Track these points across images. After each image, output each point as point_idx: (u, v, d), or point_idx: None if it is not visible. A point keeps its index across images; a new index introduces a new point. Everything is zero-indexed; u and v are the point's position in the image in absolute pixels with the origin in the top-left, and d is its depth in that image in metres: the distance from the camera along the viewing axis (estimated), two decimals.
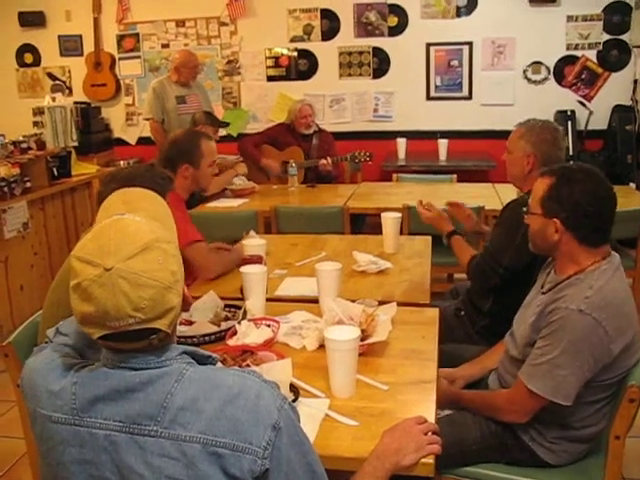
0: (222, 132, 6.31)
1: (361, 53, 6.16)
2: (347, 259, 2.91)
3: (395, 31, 6.07)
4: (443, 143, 5.63)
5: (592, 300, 1.80)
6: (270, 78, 6.40)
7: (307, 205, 4.37)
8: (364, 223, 4.69)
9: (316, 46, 6.25)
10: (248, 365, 1.92)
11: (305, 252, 3.18)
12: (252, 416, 1.14)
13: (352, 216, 4.19)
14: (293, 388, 1.79)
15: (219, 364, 1.84)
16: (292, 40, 6.28)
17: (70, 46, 6.68)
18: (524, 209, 2.08)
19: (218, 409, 1.13)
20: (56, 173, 4.80)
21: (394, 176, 5.10)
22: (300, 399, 1.78)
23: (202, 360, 1.27)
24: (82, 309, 1.13)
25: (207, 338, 2.17)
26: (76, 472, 1.15)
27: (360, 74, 6.21)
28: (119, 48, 6.57)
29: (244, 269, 2.38)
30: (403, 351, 2.09)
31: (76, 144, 5.27)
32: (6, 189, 4.17)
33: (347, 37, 6.17)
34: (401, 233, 3.90)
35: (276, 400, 1.19)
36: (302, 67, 6.31)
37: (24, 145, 4.52)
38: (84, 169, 5.22)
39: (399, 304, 2.43)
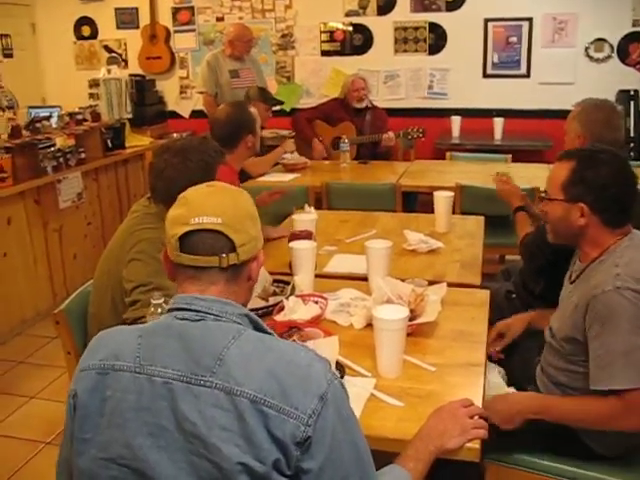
0: (275, 107, 6.33)
1: (417, 28, 6.04)
2: (398, 237, 2.87)
3: (452, 6, 5.92)
4: (499, 122, 5.50)
5: (623, 275, 1.73)
6: (324, 53, 6.34)
7: (358, 182, 4.32)
8: (416, 201, 4.62)
9: (371, 21, 6.15)
10: (295, 341, 1.91)
11: (355, 229, 3.15)
12: (301, 383, 1.15)
13: (404, 194, 4.13)
14: (339, 366, 1.78)
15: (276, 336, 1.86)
16: (347, 14, 6.20)
17: (126, 19, 6.73)
18: (541, 195, 2.01)
19: (270, 370, 1.15)
20: (110, 145, 4.87)
21: (447, 154, 5.02)
22: (346, 377, 1.77)
23: (262, 331, 1.30)
24: (175, 212, 1.28)
25: (256, 313, 2.16)
26: (131, 419, 1.16)
27: (416, 50, 6.10)
28: (174, 21, 6.59)
29: (293, 244, 2.37)
30: (452, 332, 2.05)
31: (130, 116, 5.33)
32: (61, 160, 4.25)
33: (403, 12, 6.05)
34: (454, 212, 3.86)
35: (327, 374, 1.20)
36: (357, 42, 6.23)
37: (79, 117, 4.59)
38: (137, 141, 5.28)
39: (449, 285, 2.39)
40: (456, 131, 5.71)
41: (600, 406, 1.74)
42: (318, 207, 4.03)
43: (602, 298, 1.73)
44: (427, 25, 6.01)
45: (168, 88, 6.79)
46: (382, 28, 6.13)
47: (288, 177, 4.41)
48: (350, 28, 6.22)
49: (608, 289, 1.72)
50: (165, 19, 6.61)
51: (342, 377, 1.73)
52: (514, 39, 5.81)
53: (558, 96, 5.62)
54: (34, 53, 6.96)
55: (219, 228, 1.23)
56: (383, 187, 4.05)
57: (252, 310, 2.15)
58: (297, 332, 1.99)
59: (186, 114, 6.76)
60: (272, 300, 2.23)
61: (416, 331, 2.02)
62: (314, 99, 6.19)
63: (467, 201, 3.88)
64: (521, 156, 4.98)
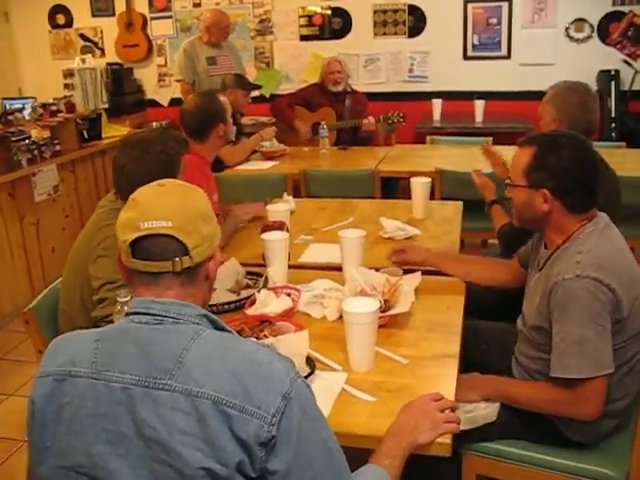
0: (254, 93, 6.25)
1: (396, 11, 5.97)
2: (375, 225, 2.85)
3: None
4: (480, 104, 5.45)
5: (584, 263, 1.72)
6: (303, 37, 6.26)
7: (337, 168, 4.28)
8: (397, 187, 4.58)
9: (350, 4, 6.07)
10: (265, 336, 1.88)
11: (333, 217, 3.11)
12: (263, 382, 1.13)
13: (384, 180, 4.09)
14: (309, 361, 1.75)
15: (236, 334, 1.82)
16: None
17: (102, 6, 6.60)
18: (506, 182, 1.99)
19: (231, 370, 1.13)
20: (86, 135, 4.80)
21: (428, 138, 4.97)
22: (317, 372, 1.74)
23: (223, 330, 1.28)
24: (125, 215, 1.24)
25: (226, 307, 2.14)
26: (89, 426, 1.14)
27: (395, 33, 6.03)
28: (150, 8, 6.47)
29: (265, 236, 2.33)
30: (426, 323, 2.03)
31: (106, 106, 5.25)
32: (36, 152, 4.18)
33: None
34: (433, 198, 3.82)
35: (289, 372, 1.18)
36: (336, 26, 6.15)
37: (54, 108, 4.51)
38: (115, 131, 5.20)
39: (426, 273, 2.37)
40: (437, 114, 5.66)
41: (551, 393, 1.77)
42: (297, 195, 4.01)
43: (562, 285, 1.73)
44: (406, 7, 5.94)
45: (146, 76, 6.68)
46: (361, 11, 6.05)
47: (266, 165, 4.36)
48: (329, 12, 6.14)
49: (568, 277, 1.72)
50: (141, 6, 6.49)
51: (312, 372, 1.70)
52: (494, 20, 5.76)
53: (539, 77, 5.56)
54: (8, 43, 6.83)
55: (170, 232, 1.20)
56: (362, 173, 4.01)
57: (224, 304, 2.14)
58: (268, 326, 1.96)
59: (165, 102, 6.67)
60: (244, 293, 2.19)
61: (389, 322, 1.99)
62: (294, 84, 6.12)
63: (447, 186, 3.85)
64: (503, 138, 4.92)
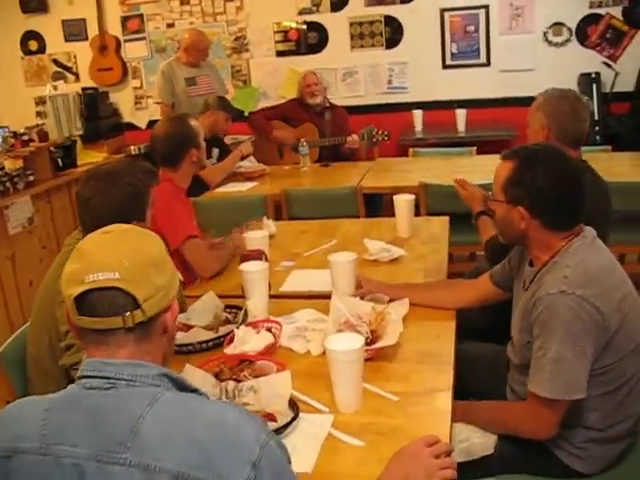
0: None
1: (372, 23, 5.89)
2: (359, 246, 2.73)
3: None
4: (461, 113, 5.38)
5: (571, 278, 1.64)
6: (280, 53, 6.17)
7: (319, 187, 4.16)
8: (381, 203, 4.48)
9: (326, 18, 5.99)
10: (246, 377, 1.76)
11: (315, 240, 3.00)
12: (229, 450, 1.02)
13: (368, 196, 3.99)
14: (293, 404, 1.63)
15: (211, 380, 1.70)
16: (300, 12, 6.03)
17: (74, 30, 6.49)
18: (489, 193, 1.93)
19: (192, 438, 1.02)
20: (61, 164, 4.67)
21: (410, 151, 4.88)
22: (301, 415, 1.62)
23: (188, 391, 1.15)
24: (69, 268, 1.13)
25: (204, 345, 2.02)
26: None
27: (372, 45, 5.95)
28: (124, 30, 6.37)
29: (243, 267, 2.22)
30: (416, 354, 1.92)
31: (81, 132, 5.12)
32: (8, 184, 4.05)
33: (357, 6, 5.90)
34: (419, 213, 3.73)
35: (259, 435, 1.06)
36: (312, 40, 6.07)
37: (25, 137, 4.38)
38: (91, 157, 5.08)
39: None
40: (419, 125, 5.58)
41: (512, 412, 1.79)
42: (279, 217, 3.90)
43: (545, 300, 1.65)
44: (382, 19, 5.87)
45: (122, 99, 6.57)
46: (337, 25, 5.98)
47: (246, 186, 4.24)
48: (304, 26, 6.06)
49: (553, 292, 1.64)
50: (114, 28, 6.39)
51: (296, 417, 1.59)
52: (471, 28, 5.69)
53: (520, 83, 5.52)
54: None
55: (117, 284, 1.09)
56: (344, 191, 3.90)
57: (201, 343, 2.02)
58: (248, 366, 1.84)
59: (143, 125, 6.55)
60: (223, 330, 2.07)
61: (377, 355, 1.88)
62: (271, 101, 6.00)
63: (432, 200, 3.75)
64: (487, 147, 4.86)
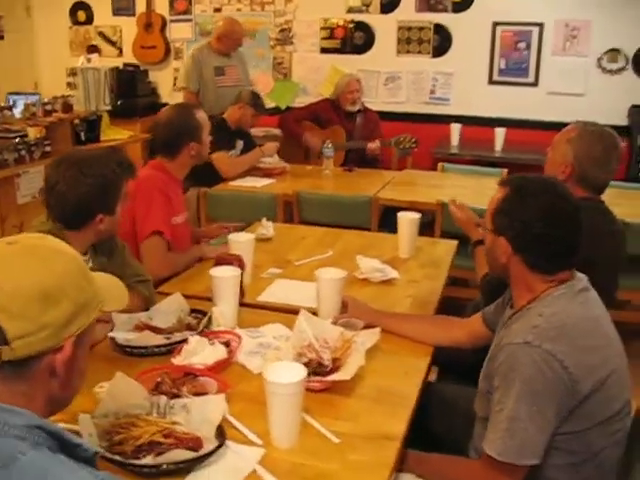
0: (271, 104, 6.05)
1: (421, 29, 5.69)
2: (354, 261, 2.57)
3: (460, 7, 5.56)
4: (500, 132, 5.15)
5: (541, 329, 1.47)
6: (323, 50, 6.02)
7: (333, 192, 4.00)
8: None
9: (374, 19, 5.82)
10: (182, 393, 1.63)
11: (312, 249, 2.85)
12: None
13: (387, 208, 3.80)
14: (219, 431, 1.49)
15: (142, 392, 1.57)
16: (349, 11, 5.87)
17: (122, 5, 6.45)
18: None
19: None
20: (83, 137, 4.61)
21: (439, 165, 4.69)
22: (228, 444, 1.48)
23: (70, 447, 0.96)
24: None
25: (157, 350, 1.89)
26: None
27: (419, 52, 5.76)
28: (171, 10, 6.30)
29: (213, 271, 2.09)
30: (375, 390, 1.76)
31: (109, 108, 5.05)
32: (24, 152, 4.00)
33: (408, 11, 5.70)
34: (432, 234, 3.55)
35: None
36: (358, 40, 5.90)
37: (48, 107, 4.32)
38: (116, 134, 5.02)
39: None
40: (455, 140, 5.36)
41: (465, 470, 1.62)
42: (289, 219, 3.77)
43: (507, 350, 1.49)
44: (432, 26, 5.66)
45: (162, 79, 6.51)
46: (385, 27, 5.79)
47: (261, 183, 4.11)
48: (351, 25, 5.89)
49: (517, 341, 1.47)
50: (162, 7, 6.33)
51: (220, 446, 1.45)
52: (523, 45, 5.45)
53: (566, 108, 5.26)
54: (29, 37, 6.73)
55: None
56: (358, 200, 3.74)
57: (153, 347, 1.90)
58: (191, 381, 1.71)
59: None
60: (178, 336, 1.94)
61: (333, 387, 1.73)
62: (310, 98, 5.86)
63: (448, 221, 3.54)
64: (520, 170, 4.56)
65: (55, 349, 0.98)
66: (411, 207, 3.22)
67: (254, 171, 4.33)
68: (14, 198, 3.98)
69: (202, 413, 1.52)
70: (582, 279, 1.61)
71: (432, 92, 5.79)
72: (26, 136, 4.13)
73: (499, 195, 1.64)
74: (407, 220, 2.74)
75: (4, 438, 0.89)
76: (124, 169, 2.00)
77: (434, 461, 1.67)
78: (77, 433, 1.38)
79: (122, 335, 1.92)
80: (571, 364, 1.43)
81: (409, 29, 5.74)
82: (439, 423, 1.97)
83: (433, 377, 2.41)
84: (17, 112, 4.19)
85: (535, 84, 5.49)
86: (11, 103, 4.71)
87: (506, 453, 1.44)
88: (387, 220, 3.88)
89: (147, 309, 2.11)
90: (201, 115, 2.78)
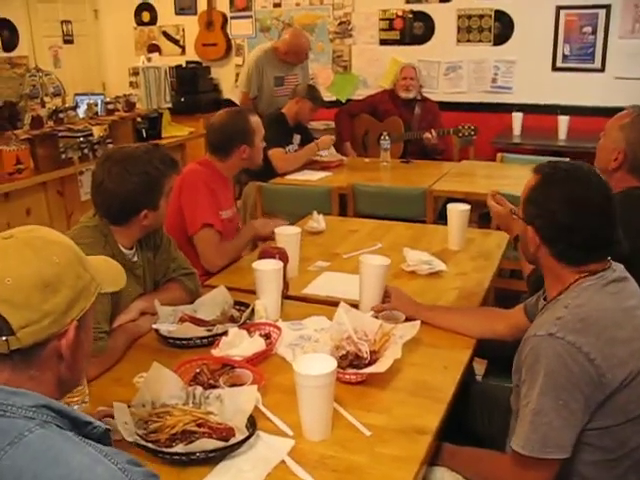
0: (332, 97, 6.06)
1: (482, 17, 5.58)
2: (403, 254, 2.55)
3: None
4: (564, 120, 4.99)
5: (565, 321, 1.41)
6: (383, 42, 5.98)
7: (389, 185, 3.97)
8: None
9: (433, 8, 5.74)
10: (220, 383, 1.66)
11: (361, 241, 2.84)
12: None
13: (446, 200, 3.74)
14: (250, 421, 1.50)
15: (178, 383, 1.61)
16: (408, 1, 5.80)
17: (185, 5, 6.60)
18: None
19: None
20: (145, 135, 4.72)
21: (498, 156, 4.58)
22: (260, 434, 1.50)
23: (79, 425, 0.99)
24: None
25: (198, 341, 1.93)
26: None
27: (480, 40, 5.65)
28: (231, 7, 6.40)
29: (256, 265, 2.11)
30: (412, 383, 1.74)
31: (169, 105, 5.16)
32: (87, 150, 4.13)
33: None
34: (489, 226, 3.48)
35: None
36: (417, 31, 5.84)
37: (111, 106, 4.45)
38: (177, 131, 5.12)
39: None
40: (517, 129, 5.23)
41: (493, 466, 1.58)
42: (343, 212, 3.77)
43: (532, 342, 1.44)
44: (493, 13, 5.54)
45: (224, 76, 6.63)
46: (444, 16, 5.71)
47: (317, 176, 4.11)
48: (410, 16, 5.83)
49: (541, 333, 1.42)
50: (222, 5, 6.43)
51: (250, 436, 1.46)
52: (588, 29, 5.27)
53: (635, 93, 5.05)
54: (96, 39, 6.96)
55: None
56: (412, 192, 3.70)
57: (195, 339, 1.93)
58: (228, 372, 1.73)
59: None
60: (220, 328, 1.97)
61: (369, 379, 1.72)
62: (370, 90, 5.83)
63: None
64: (585, 160, 4.48)
65: (59, 334, 1.02)
66: (466, 198, 3.17)
67: (311, 164, 4.34)
68: (78, 195, 4.13)
69: (235, 403, 1.54)
70: (617, 269, 1.54)
71: (494, 81, 5.68)
72: (91, 135, 4.26)
73: (531, 183, 1.60)
74: (457, 212, 2.70)
75: (13, 419, 0.92)
76: (167, 166, 2.04)
77: (467, 455, 1.65)
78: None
79: (165, 327, 1.96)
80: (598, 356, 1.37)
81: (469, 17, 5.63)
82: (480, 420, 1.93)
83: (481, 370, 2.37)
84: (81, 112, 4.33)
85: (602, 69, 5.30)
86: (76, 104, 4.88)
87: (530, 447, 1.40)
88: (444, 211, 3.84)
89: (192, 301, 2.15)
90: (255, 120, 2.80)
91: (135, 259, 2.08)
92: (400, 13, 5.86)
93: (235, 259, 2.63)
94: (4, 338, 0.96)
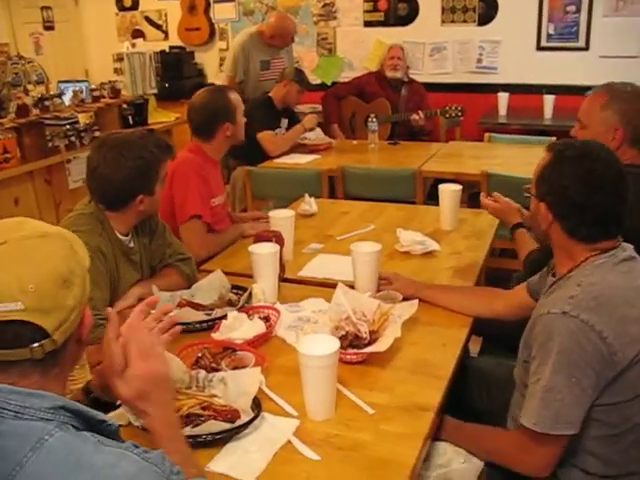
0: (317, 80, 6.04)
1: None
2: (396, 235, 2.57)
3: None
4: (549, 99, 5.01)
5: (579, 299, 1.43)
6: (367, 23, 5.96)
7: (378, 166, 3.99)
8: None
9: None
10: (222, 366, 1.67)
11: (353, 223, 2.86)
12: None
13: (435, 181, 3.76)
14: (255, 402, 1.52)
15: (181, 367, 1.61)
16: None
17: None
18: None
19: None
20: (131, 121, 4.69)
21: (486, 136, 4.60)
22: (265, 415, 1.52)
23: (93, 424, 1.01)
24: None
25: (198, 326, 1.94)
26: None
27: (464, 20, 5.64)
28: None
29: (252, 248, 2.12)
30: (412, 362, 1.76)
31: (155, 91, 5.12)
32: (74, 138, 4.10)
33: None
34: (479, 206, 3.49)
35: None
36: (401, 12, 5.82)
37: (96, 93, 4.42)
38: (163, 117, 5.09)
39: None
40: (503, 109, 5.25)
41: (500, 441, 1.59)
42: (332, 194, 3.78)
43: (545, 319, 1.46)
44: None
45: (208, 60, 6.57)
46: None
47: (306, 159, 4.12)
48: None
49: (554, 311, 1.44)
50: None
51: (256, 417, 1.48)
52: (572, 7, 5.27)
53: (620, 71, 5.05)
54: (77, 25, 6.88)
55: (22, 317, 0.94)
56: (402, 173, 3.71)
57: (189, 323, 1.93)
58: (230, 355, 1.74)
59: None
60: (219, 312, 1.98)
61: (369, 359, 1.74)
62: (356, 72, 5.79)
63: (494, 191, 3.48)
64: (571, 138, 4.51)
65: (79, 325, 1.04)
66: (456, 179, 3.19)
67: (300, 148, 4.34)
68: (66, 183, 4.10)
69: (238, 386, 1.55)
70: (627, 248, 1.56)
71: (479, 61, 5.68)
72: (77, 122, 4.22)
73: (543, 160, 1.61)
74: (448, 192, 2.72)
75: (31, 421, 0.93)
76: (162, 150, 2.04)
77: (470, 430, 1.67)
78: None
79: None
80: (610, 334, 1.40)
81: None
82: (478, 396, 1.96)
83: (477, 348, 2.40)
84: (66, 99, 4.28)
85: (586, 48, 5.32)
86: (61, 91, 4.82)
87: (542, 423, 1.43)
88: (436, 193, 3.85)
89: (189, 287, 2.15)
90: (234, 96, 2.78)
91: (132, 245, 2.09)
92: None
93: (218, 252, 2.62)
94: (37, 344, 0.96)
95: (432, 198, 3.70)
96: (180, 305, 2.04)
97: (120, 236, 2.04)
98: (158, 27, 6.66)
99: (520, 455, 1.51)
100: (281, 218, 2.43)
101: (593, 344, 1.39)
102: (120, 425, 1.06)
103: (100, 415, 1.02)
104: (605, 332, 1.40)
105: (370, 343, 1.78)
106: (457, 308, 2.03)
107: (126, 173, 1.95)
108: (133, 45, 4.88)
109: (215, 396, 1.56)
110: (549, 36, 5.40)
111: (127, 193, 2.00)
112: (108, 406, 1.30)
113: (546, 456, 1.48)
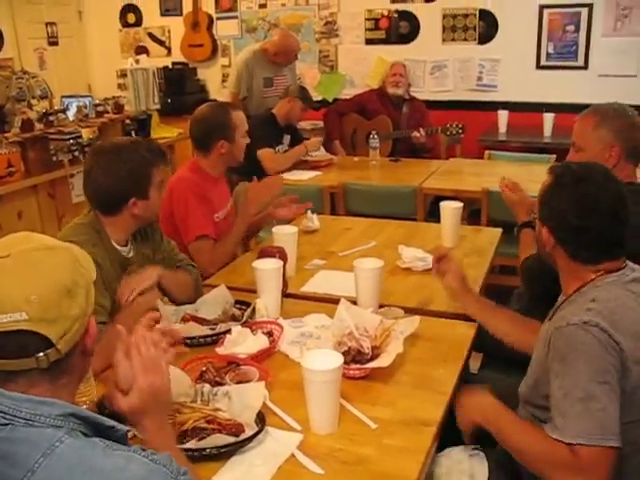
0: (318, 97, 6.09)
1: (467, 16, 5.63)
2: (398, 252, 2.59)
3: None
4: (549, 117, 5.06)
5: (596, 311, 1.43)
6: (369, 41, 6.02)
7: (379, 183, 4.02)
8: None
9: (418, 7, 5.79)
10: (226, 381, 1.69)
11: (355, 240, 2.88)
12: None
13: (435, 198, 3.79)
14: (260, 416, 1.54)
15: (186, 380, 1.63)
16: (393, 1, 5.85)
17: (170, 6, 6.59)
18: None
19: None
20: (134, 136, 4.72)
21: (486, 153, 4.64)
22: (268, 429, 1.54)
23: (102, 430, 1.04)
24: None
25: (202, 340, 1.96)
26: None
27: (465, 39, 5.70)
28: (217, 8, 6.40)
29: (256, 264, 2.14)
30: (414, 377, 1.78)
31: (158, 107, 5.17)
32: (77, 153, 4.13)
33: None
34: (479, 223, 3.53)
35: None
36: (403, 30, 5.88)
37: (100, 108, 4.46)
38: (165, 132, 5.13)
39: (434, 314, 2.13)
40: (503, 127, 5.30)
41: (549, 448, 1.41)
42: (334, 211, 3.80)
43: (565, 332, 1.44)
44: (477, 12, 5.59)
45: (210, 76, 6.63)
46: (429, 15, 5.75)
47: (307, 175, 4.15)
48: (396, 15, 5.88)
49: (574, 322, 1.43)
50: (208, 6, 6.43)
51: (260, 431, 1.50)
52: (571, 27, 5.34)
53: (619, 90, 5.11)
54: (81, 41, 6.94)
55: (26, 327, 0.97)
56: (403, 190, 3.75)
57: (199, 337, 1.96)
58: (234, 369, 1.76)
59: None
60: (223, 327, 2.00)
61: (372, 374, 1.76)
62: (357, 89, 5.85)
63: (495, 209, 3.53)
64: None
65: (83, 335, 1.06)
66: (456, 196, 3.22)
67: (301, 164, 4.37)
68: (69, 197, 4.13)
69: (243, 400, 1.57)
70: (636, 269, 1.58)
71: (479, 79, 5.74)
72: (80, 137, 4.25)
73: (545, 183, 1.64)
74: (449, 209, 2.75)
75: (42, 428, 0.96)
76: (154, 155, 2.06)
77: (512, 418, 1.57)
78: None
79: (169, 326, 1.98)
80: (626, 348, 1.40)
81: (454, 17, 5.69)
82: None
83: (477, 365, 2.41)
84: (70, 114, 4.33)
85: (585, 67, 5.38)
86: (65, 106, 4.87)
87: (592, 435, 1.35)
88: (437, 210, 3.88)
89: (194, 293, 2.18)
90: (238, 115, 2.79)
91: (130, 255, 2.09)
92: (385, 13, 5.90)
93: (228, 261, 2.65)
94: (42, 354, 0.98)
95: (432, 215, 3.75)
96: (184, 319, 2.06)
97: (117, 246, 2.05)
98: (161, 43, 6.72)
99: (571, 477, 1.40)
100: (284, 234, 2.46)
101: (615, 351, 1.39)
102: (128, 431, 1.08)
103: (108, 421, 1.05)
104: (622, 344, 1.39)
105: (372, 358, 1.80)
106: (503, 337, 1.95)
107: (117, 175, 1.97)
108: (137, 61, 4.93)
109: (220, 410, 1.58)
110: (548, 55, 5.45)
111: (119, 195, 2.00)
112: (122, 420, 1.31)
113: (601, 474, 1.36)
